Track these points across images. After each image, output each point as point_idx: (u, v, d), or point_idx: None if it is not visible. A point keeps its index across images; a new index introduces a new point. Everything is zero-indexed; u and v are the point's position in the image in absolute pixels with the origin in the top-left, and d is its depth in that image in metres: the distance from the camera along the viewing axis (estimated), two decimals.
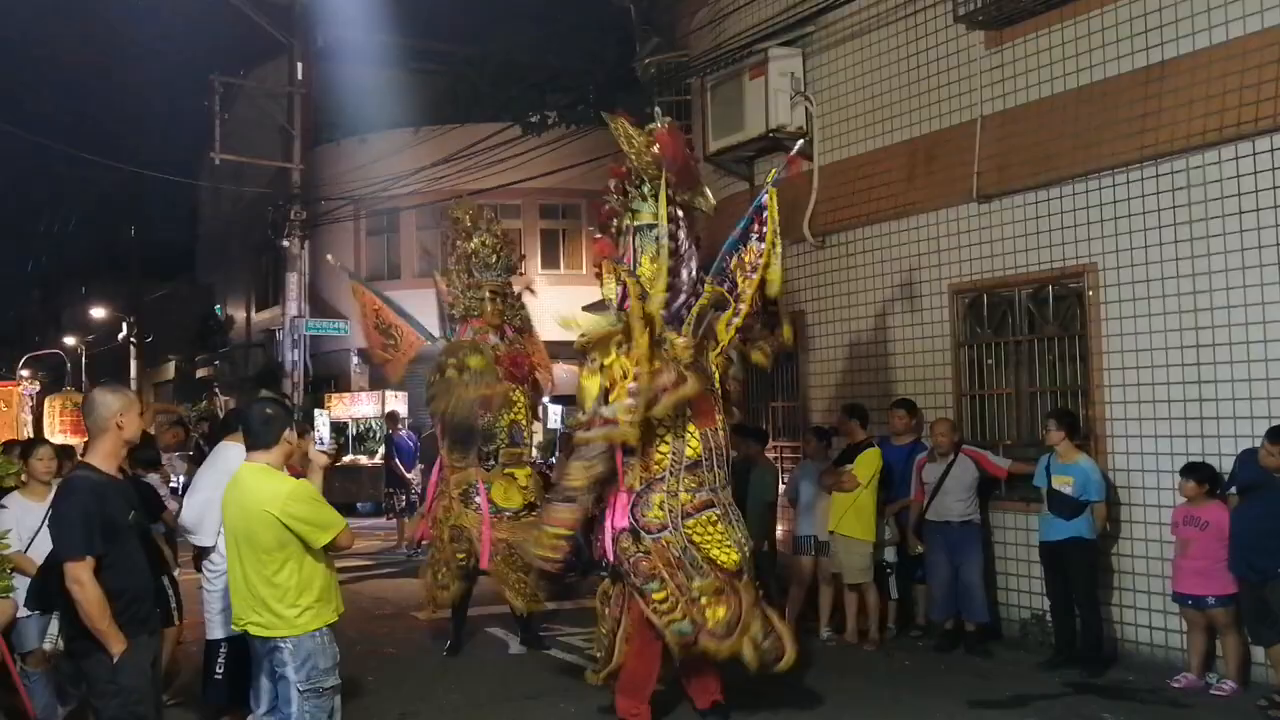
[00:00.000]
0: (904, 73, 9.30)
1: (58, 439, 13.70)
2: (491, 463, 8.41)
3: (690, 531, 6.18)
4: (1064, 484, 7.38)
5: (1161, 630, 7.38)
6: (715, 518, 6.26)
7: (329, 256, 8.05)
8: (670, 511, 6.19)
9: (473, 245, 8.72)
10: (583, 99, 15.91)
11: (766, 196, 6.39)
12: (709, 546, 6.16)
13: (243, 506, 4.51)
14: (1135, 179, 7.51)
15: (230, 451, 5.39)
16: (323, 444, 6.11)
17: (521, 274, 9.17)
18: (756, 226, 6.41)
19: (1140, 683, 7.04)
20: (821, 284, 10.11)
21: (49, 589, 4.59)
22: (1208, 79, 7.09)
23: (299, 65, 19.92)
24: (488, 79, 20.58)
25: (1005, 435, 8.57)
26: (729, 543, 6.20)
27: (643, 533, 6.18)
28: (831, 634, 8.50)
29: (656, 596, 6.02)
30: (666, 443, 6.25)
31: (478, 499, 8.28)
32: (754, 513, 8.61)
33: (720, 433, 6.42)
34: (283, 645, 4.46)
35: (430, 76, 21.72)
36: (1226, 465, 6.87)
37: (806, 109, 10.10)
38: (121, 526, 4.38)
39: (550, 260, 22.48)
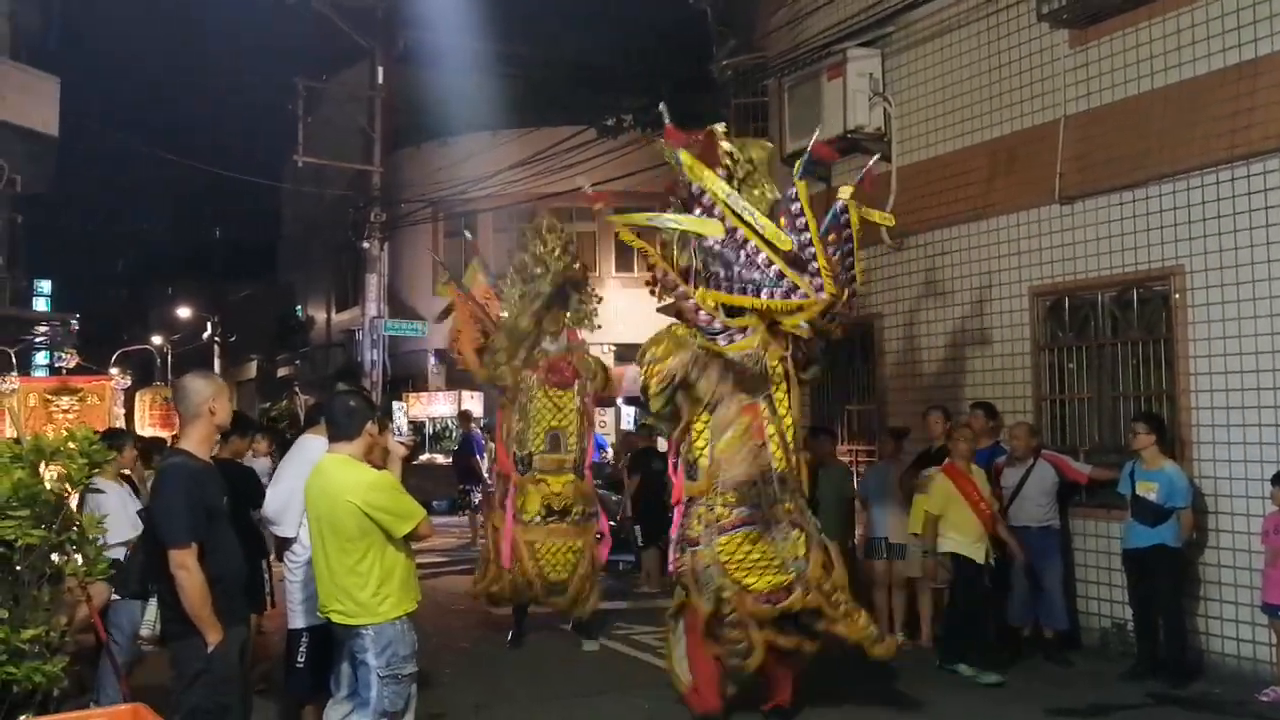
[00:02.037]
0: (985, 73, 9.19)
1: (148, 432, 14.15)
2: (522, 469, 8.59)
3: (720, 550, 6.05)
4: (1149, 490, 7.23)
5: (1249, 642, 7.18)
6: (755, 536, 6.07)
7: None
8: (707, 526, 6.10)
9: (526, 257, 8.91)
10: (658, 103, 15.94)
11: (844, 204, 6.47)
12: (734, 568, 6.02)
13: (327, 496, 4.59)
14: (1225, 179, 7.34)
15: (312, 443, 5.47)
16: (401, 436, 6.25)
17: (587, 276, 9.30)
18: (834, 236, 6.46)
19: (1226, 695, 6.86)
20: (899, 286, 10.02)
21: (145, 575, 4.70)
22: None
23: (380, 69, 20.31)
24: (564, 83, 20.72)
25: (1086, 440, 8.42)
26: (765, 564, 6.06)
27: (686, 545, 6.19)
28: (906, 639, 8.41)
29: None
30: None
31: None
32: (830, 511, 8.60)
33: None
34: (364, 632, 4.54)
35: (508, 80, 21.94)
36: None
37: (885, 110, 10.03)
38: (218, 512, 4.48)
39: (624, 264, 22.55)
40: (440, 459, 19.86)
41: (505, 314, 9.07)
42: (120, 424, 13.86)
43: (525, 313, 8.72)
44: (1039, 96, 8.71)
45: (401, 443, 5.21)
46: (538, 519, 8.48)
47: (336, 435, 4.76)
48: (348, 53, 21.97)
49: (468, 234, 14.53)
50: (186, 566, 4.25)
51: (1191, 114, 7.55)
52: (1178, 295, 7.64)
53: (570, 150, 16.08)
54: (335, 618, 4.62)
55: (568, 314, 8.93)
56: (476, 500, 15.44)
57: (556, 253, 8.83)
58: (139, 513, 5.23)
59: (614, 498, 12.60)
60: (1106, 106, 8.18)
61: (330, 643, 4.98)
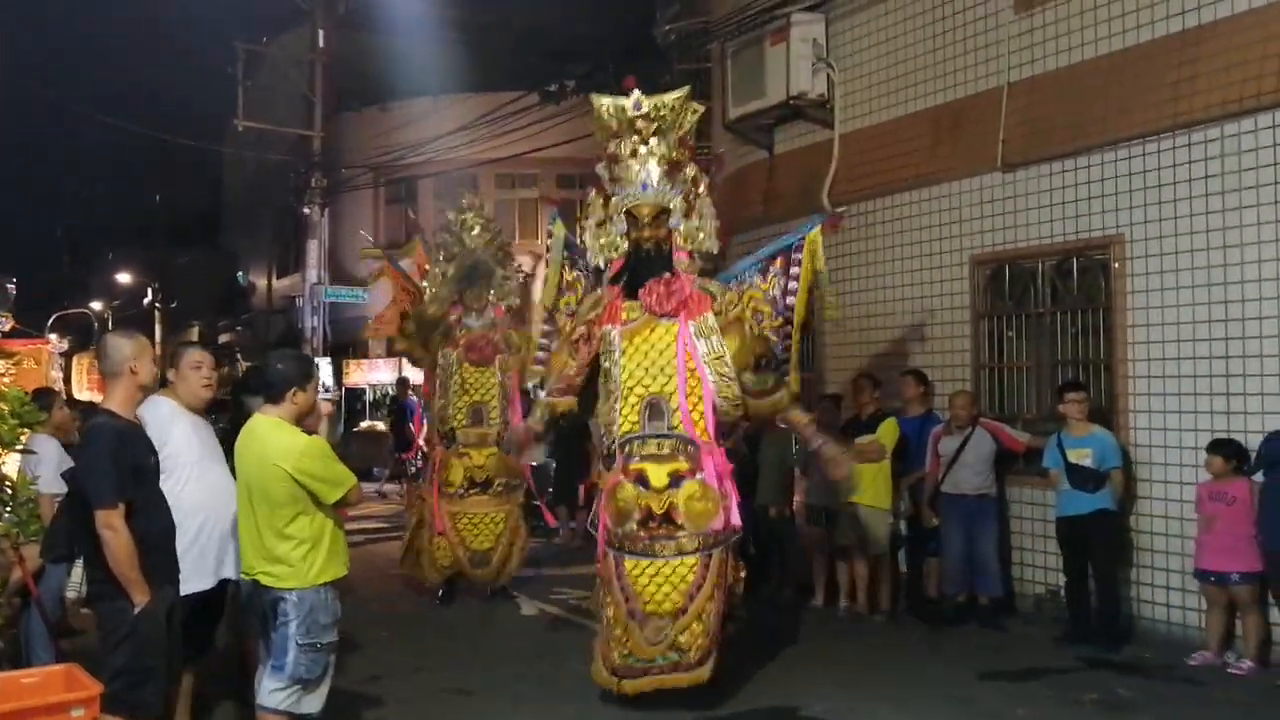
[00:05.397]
0: (929, 39, 9.13)
1: (85, 396, 13.82)
2: (449, 443, 8.79)
3: None
4: (1083, 457, 7.26)
5: (1180, 608, 7.26)
6: None
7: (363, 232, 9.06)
8: None
9: (447, 236, 9.02)
10: (601, 67, 15.75)
11: (803, 240, 6.61)
12: None
13: (257, 458, 4.50)
14: (1167, 148, 7.34)
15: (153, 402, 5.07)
16: (326, 393, 6.20)
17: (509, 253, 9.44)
18: (781, 264, 6.70)
19: (1156, 659, 6.92)
20: (840, 254, 9.93)
21: (71, 538, 4.57)
22: (1245, 44, 6.90)
23: (320, 33, 19.93)
24: (507, 47, 20.46)
25: (1025, 409, 8.45)
26: None
27: None
28: (847, 605, 8.40)
29: None
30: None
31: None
32: (771, 477, 8.60)
33: None
34: (287, 597, 4.44)
35: (450, 45, 21.59)
36: (1253, 442, 6.69)
37: (829, 76, 9.95)
38: (145, 471, 4.40)
39: (567, 229, 22.33)
40: (381, 426, 19.65)
41: (429, 291, 9.11)
42: (59, 389, 13.55)
43: (439, 297, 8.89)
44: (983, 63, 8.67)
45: (327, 399, 5.07)
46: (460, 491, 8.66)
47: (268, 398, 4.66)
48: (288, 15, 21.55)
49: (411, 213, 14.61)
50: (113, 526, 4.17)
51: (1134, 82, 7.54)
52: (1117, 264, 7.65)
53: (512, 115, 15.88)
54: (263, 579, 4.51)
55: (491, 291, 8.98)
56: (412, 470, 15.27)
57: (475, 231, 8.95)
58: (63, 474, 5.07)
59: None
60: (1050, 73, 8.16)
61: (203, 609, 4.92)
